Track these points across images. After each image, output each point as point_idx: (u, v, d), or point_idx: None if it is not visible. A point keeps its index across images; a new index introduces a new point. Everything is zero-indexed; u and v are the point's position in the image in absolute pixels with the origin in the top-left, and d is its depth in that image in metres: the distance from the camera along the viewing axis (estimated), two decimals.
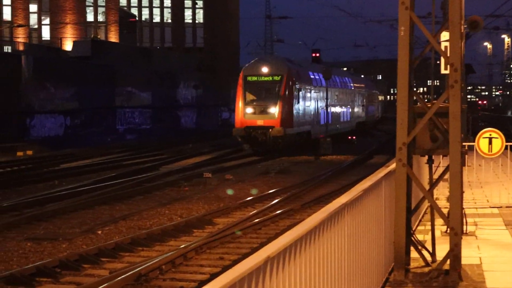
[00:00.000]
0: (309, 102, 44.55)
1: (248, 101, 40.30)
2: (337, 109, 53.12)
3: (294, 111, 40.79)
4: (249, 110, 39.95)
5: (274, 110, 39.61)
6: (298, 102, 41.70)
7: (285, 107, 39.83)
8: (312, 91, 45.40)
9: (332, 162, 35.01)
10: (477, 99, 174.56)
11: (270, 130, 38.82)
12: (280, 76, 40.39)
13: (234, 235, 15.80)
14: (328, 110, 48.80)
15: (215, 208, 19.95)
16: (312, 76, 46.50)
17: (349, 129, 56.43)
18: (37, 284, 12.00)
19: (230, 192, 20.13)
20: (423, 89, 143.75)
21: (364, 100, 66.87)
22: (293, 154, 38.80)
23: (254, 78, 40.62)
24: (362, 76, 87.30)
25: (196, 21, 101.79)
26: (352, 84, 60.56)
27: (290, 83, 40.58)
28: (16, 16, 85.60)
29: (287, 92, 40.19)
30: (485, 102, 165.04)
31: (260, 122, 39.44)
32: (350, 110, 58.49)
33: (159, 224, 17.48)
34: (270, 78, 40.53)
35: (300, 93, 42.24)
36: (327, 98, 47.49)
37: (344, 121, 55.34)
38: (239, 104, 40.31)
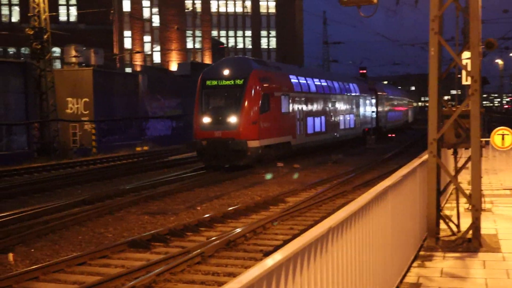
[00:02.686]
0: (289, 110, 30.09)
1: (206, 109, 27.07)
2: (334, 116, 37.71)
3: (261, 121, 26.75)
4: (206, 119, 26.68)
5: (235, 119, 26.11)
6: (269, 110, 27.60)
7: (248, 116, 26.20)
8: (292, 97, 30.55)
9: (376, 155, 34.50)
10: (506, 104, 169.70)
11: (230, 142, 25.82)
12: (243, 80, 26.61)
13: (301, 210, 15.71)
14: (320, 118, 35.01)
15: (287, 189, 19.88)
16: (294, 81, 31.54)
17: (352, 136, 41.78)
18: (153, 247, 12.18)
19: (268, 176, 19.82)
20: (447, 97, 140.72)
21: (377, 106, 49.95)
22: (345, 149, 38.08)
23: (214, 82, 27.13)
24: (399, 87, 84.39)
25: (270, 47, 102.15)
26: (357, 89, 43.69)
27: (257, 87, 26.76)
28: (134, 45, 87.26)
29: (251, 98, 26.45)
30: (509, 106, 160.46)
31: (218, 133, 26.21)
32: (354, 116, 42.43)
33: (243, 202, 17.54)
34: (231, 82, 26.82)
35: (273, 99, 28.20)
36: (318, 105, 34.61)
37: (344, 128, 39.91)
38: (196, 112, 27.36)
